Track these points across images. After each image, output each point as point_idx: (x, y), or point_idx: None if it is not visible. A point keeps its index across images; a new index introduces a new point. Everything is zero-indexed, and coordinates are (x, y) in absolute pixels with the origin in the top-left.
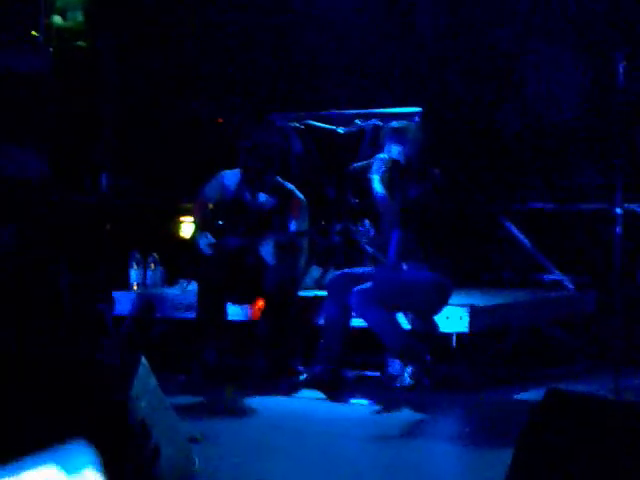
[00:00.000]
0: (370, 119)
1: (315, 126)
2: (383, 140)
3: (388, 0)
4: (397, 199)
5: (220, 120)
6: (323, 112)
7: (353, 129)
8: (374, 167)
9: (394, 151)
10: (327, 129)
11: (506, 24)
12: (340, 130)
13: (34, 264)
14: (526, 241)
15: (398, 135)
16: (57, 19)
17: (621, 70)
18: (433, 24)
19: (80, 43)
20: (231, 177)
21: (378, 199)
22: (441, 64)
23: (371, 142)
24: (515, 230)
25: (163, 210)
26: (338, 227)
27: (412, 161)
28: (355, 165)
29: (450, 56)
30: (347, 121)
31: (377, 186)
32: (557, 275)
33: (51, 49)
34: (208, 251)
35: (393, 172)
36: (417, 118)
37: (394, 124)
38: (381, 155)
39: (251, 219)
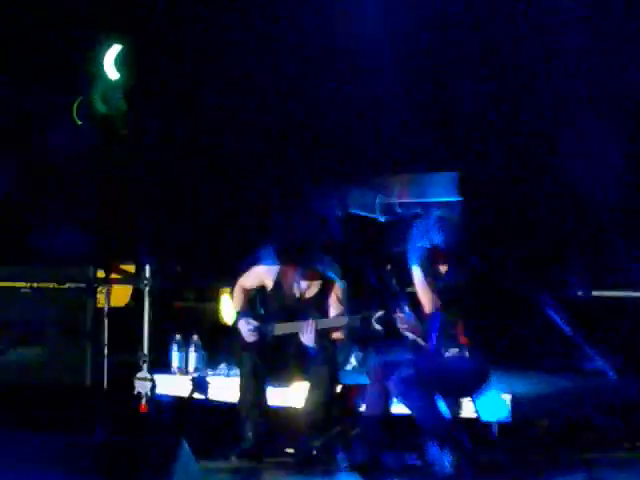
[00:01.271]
0: (411, 207)
1: (355, 214)
2: (425, 228)
3: (426, 74)
4: (437, 286)
5: (261, 205)
6: (365, 200)
7: (394, 217)
8: (415, 255)
9: (435, 239)
10: (368, 217)
11: (545, 99)
12: (381, 218)
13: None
14: (567, 327)
15: (440, 224)
16: (101, 107)
17: None
18: (473, 98)
19: (122, 130)
20: (271, 261)
21: (419, 288)
22: (480, 144)
23: (411, 230)
24: (555, 315)
25: (204, 293)
26: (379, 314)
27: (452, 249)
28: (395, 252)
29: (489, 133)
30: (388, 209)
31: (417, 274)
32: (598, 361)
33: (94, 135)
34: (250, 337)
35: (433, 259)
36: (458, 207)
37: (436, 213)
38: (422, 243)
39: (291, 305)
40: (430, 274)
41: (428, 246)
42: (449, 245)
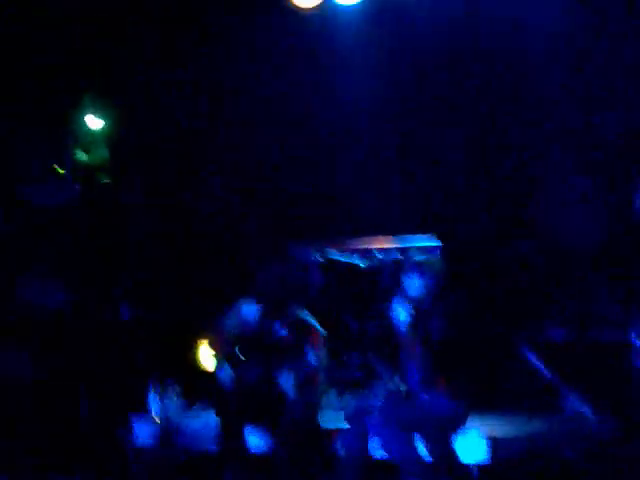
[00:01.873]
0: (390, 252)
1: (335, 258)
2: (405, 273)
3: (408, 134)
4: (420, 332)
5: (240, 250)
6: (343, 244)
7: (373, 262)
8: (399, 299)
9: (417, 283)
10: (347, 262)
11: (523, 153)
12: (360, 263)
13: (53, 390)
14: (544, 368)
15: (421, 269)
16: (82, 155)
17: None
18: (453, 157)
19: (104, 179)
20: (250, 310)
21: (401, 332)
22: (460, 194)
23: (390, 275)
24: (533, 357)
25: (181, 337)
26: (358, 360)
27: (435, 294)
28: (379, 295)
29: (469, 186)
30: (367, 254)
31: (401, 318)
32: (575, 402)
33: (77, 185)
34: (228, 383)
35: (416, 304)
36: (437, 251)
37: (416, 258)
38: (404, 287)
39: (270, 352)
40: (413, 321)
41: (413, 290)
42: (431, 290)
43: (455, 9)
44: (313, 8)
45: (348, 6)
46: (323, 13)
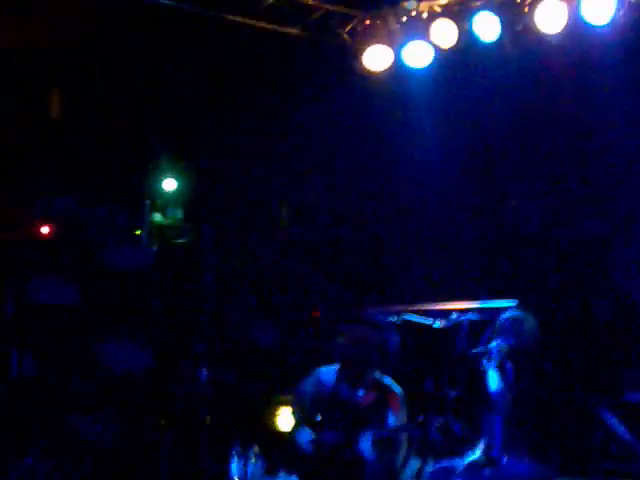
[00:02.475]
0: (466, 313)
1: (412, 320)
2: (498, 329)
3: (480, 193)
4: (509, 390)
5: (316, 314)
6: (419, 306)
7: (449, 323)
8: (492, 355)
9: (510, 341)
10: (424, 323)
11: (595, 214)
12: (436, 324)
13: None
14: (626, 432)
15: (515, 325)
16: (158, 217)
17: None
18: (523, 216)
19: (179, 240)
20: (329, 372)
21: (494, 393)
22: (534, 256)
23: (467, 335)
24: (615, 421)
25: (261, 402)
26: (436, 421)
27: (527, 352)
28: (474, 351)
29: (543, 249)
30: (443, 315)
31: (493, 379)
32: None
33: (154, 247)
34: (307, 447)
35: (507, 361)
36: (518, 312)
37: (510, 314)
38: (497, 342)
39: (349, 414)
40: (502, 377)
41: (503, 346)
42: (523, 348)
43: (524, 72)
44: (383, 71)
45: (418, 69)
46: (393, 76)
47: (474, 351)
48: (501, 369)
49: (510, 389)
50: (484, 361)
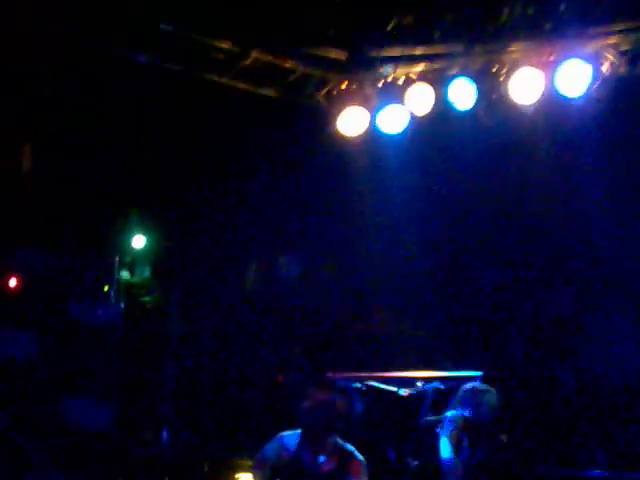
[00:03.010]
0: (431, 382)
1: (376, 387)
2: (457, 399)
3: (449, 269)
4: (462, 460)
5: (280, 379)
6: (385, 373)
7: (414, 391)
8: (445, 424)
9: (467, 411)
10: (388, 390)
11: (563, 288)
12: (401, 392)
13: None
14: None
15: (474, 396)
16: (126, 274)
17: None
18: (491, 289)
19: (146, 298)
20: (291, 437)
21: (444, 463)
22: (501, 329)
23: (431, 404)
24: None
25: (221, 466)
26: None
27: (484, 423)
28: (427, 419)
29: (510, 322)
30: (408, 383)
31: (445, 449)
32: None
33: (121, 304)
34: None
35: (463, 432)
36: (479, 381)
37: (470, 385)
38: (453, 413)
39: None
40: (457, 447)
41: (459, 416)
42: (481, 419)
43: (498, 141)
44: (358, 136)
45: (392, 135)
46: (368, 141)
47: (427, 419)
48: (454, 439)
49: (462, 460)
50: (437, 430)
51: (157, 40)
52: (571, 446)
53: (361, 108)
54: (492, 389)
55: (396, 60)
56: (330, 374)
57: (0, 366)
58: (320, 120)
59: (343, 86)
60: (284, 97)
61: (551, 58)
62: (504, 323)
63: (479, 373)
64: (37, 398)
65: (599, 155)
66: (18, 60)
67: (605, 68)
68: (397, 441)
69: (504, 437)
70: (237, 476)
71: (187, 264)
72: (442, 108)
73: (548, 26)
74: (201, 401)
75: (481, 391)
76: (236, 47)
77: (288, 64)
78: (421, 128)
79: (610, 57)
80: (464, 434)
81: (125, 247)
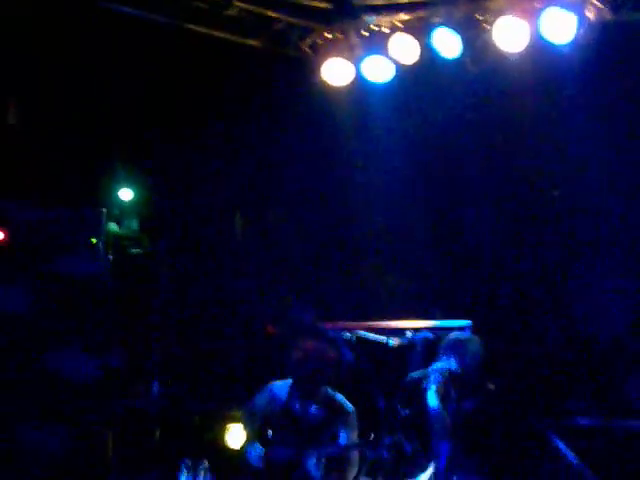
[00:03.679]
0: (420, 331)
1: (366, 337)
2: (441, 351)
3: (437, 219)
4: (450, 412)
5: (270, 329)
6: (374, 323)
7: (404, 341)
8: (431, 377)
9: (452, 362)
10: (378, 340)
11: (554, 243)
12: (391, 342)
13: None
14: (573, 456)
15: (457, 346)
16: (114, 227)
17: None
18: (481, 238)
19: (135, 250)
20: (281, 387)
21: (432, 412)
22: (490, 279)
23: (421, 354)
24: (562, 445)
25: (212, 417)
26: (387, 440)
27: (470, 373)
28: (412, 375)
29: (499, 273)
30: (398, 333)
31: (432, 398)
32: None
33: (109, 256)
34: (257, 463)
35: (449, 383)
36: (468, 331)
37: (454, 335)
38: (438, 365)
39: (300, 430)
40: (444, 399)
41: (444, 369)
42: (466, 369)
43: (485, 89)
44: (345, 85)
45: (379, 84)
46: (354, 90)
47: (412, 375)
48: (441, 391)
49: (451, 411)
50: (424, 383)
51: None
52: (559, 396)
53: (346, 58)
54: (475, 337)
55: (380, 9)
56: (320, 324)
57: None
58: (306, 70)
59: (328, 35)
60: (269, 47)
61: (535, 5)
62: (494, 274)
63: (468, 322)
64: (25, 352)
65: (587, 101)
66: (2, 13)
67: (591, 14)
68: (387, 391)
69: (492, 386)
70: (228, 427)
71: (175, 216)
72: (429, 57)
73: None
74: (190, 353)
75: (464, 340)
76: None
77: (272, 14)
78: (409, 77)
79: (595, 2)
80: (450, 386)
81: (112, 200)
